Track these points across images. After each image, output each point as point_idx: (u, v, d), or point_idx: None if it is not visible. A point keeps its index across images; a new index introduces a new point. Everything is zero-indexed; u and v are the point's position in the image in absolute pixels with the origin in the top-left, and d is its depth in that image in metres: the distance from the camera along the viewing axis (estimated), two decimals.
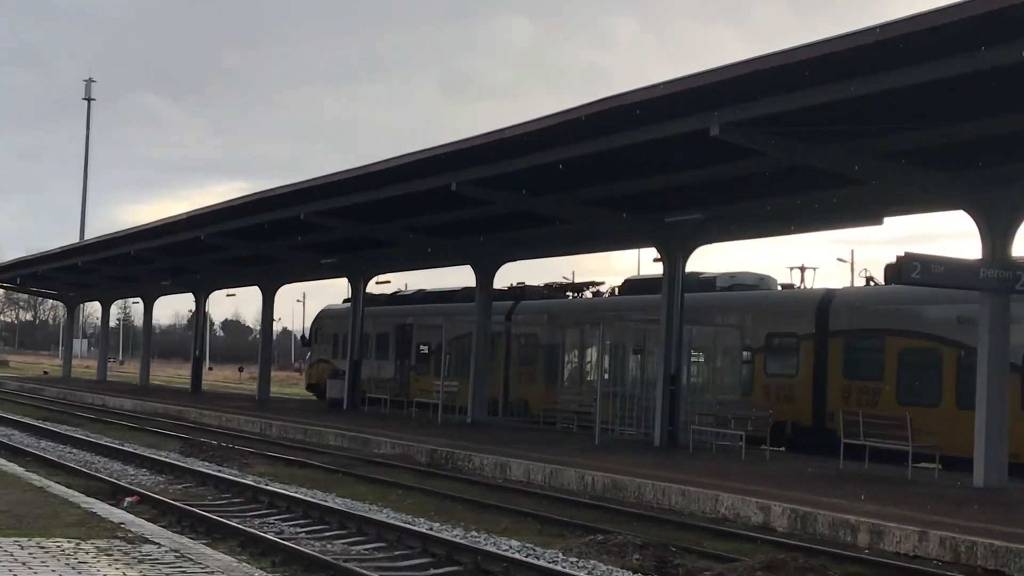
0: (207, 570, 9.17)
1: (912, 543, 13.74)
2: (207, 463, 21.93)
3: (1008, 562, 12.68)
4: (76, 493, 14.37)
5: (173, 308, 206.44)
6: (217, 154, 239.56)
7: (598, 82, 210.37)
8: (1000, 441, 18.91)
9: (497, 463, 21.48)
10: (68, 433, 27.95)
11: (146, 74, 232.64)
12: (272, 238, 35.60)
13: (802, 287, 35.24)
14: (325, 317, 49.13)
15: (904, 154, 19.06)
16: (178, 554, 9.84)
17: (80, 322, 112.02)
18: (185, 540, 11.14)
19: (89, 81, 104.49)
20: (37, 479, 15.63)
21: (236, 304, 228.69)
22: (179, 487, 18.43)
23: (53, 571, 8.72)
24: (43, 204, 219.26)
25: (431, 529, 14.14)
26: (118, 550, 9.86)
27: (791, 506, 15.61)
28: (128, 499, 15.91)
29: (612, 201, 25.33)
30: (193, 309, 58.49)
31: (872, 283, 28.94)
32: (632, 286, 34.85)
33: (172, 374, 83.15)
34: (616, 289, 36.23)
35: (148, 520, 12.72)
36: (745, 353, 28.28)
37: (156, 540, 10.57)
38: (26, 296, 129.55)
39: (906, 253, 17.93)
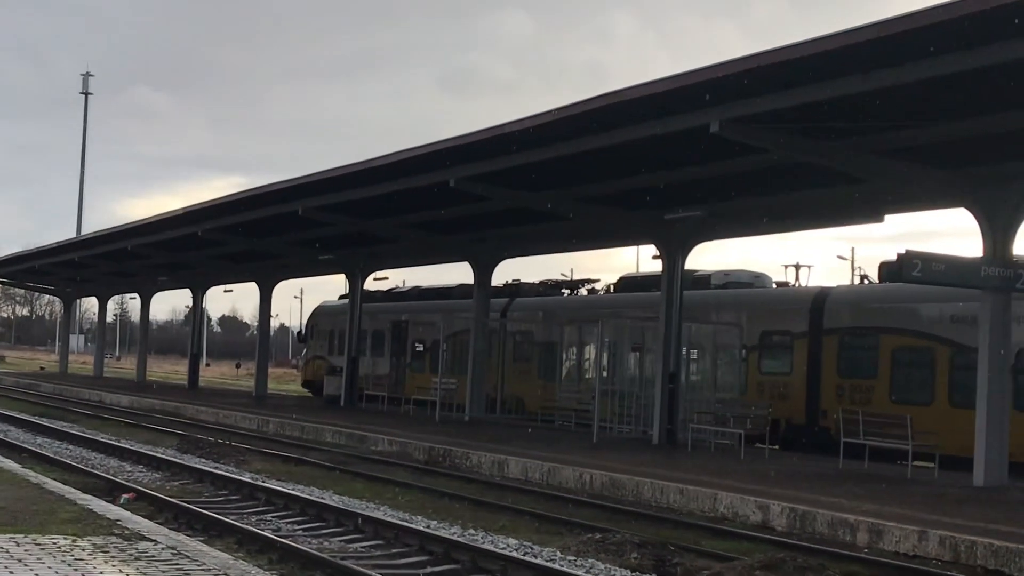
0: (204, 567, 9.12)
1: (912, 542, 13.69)
2: (204, 460, 21.86)
3: (1008, 562, 12.63)
4: (72, 490, 14.32)
5: (170, 304, 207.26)
6: (215, 150, 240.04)
7: (598, 79, 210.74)
8: (1000, 440, 18.88)
9: (495, 461, 21.44)
10: (64, 429, 27.88)
11: (144, 69, 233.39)
12: (270, 234, 35.55)
13: (797, 285, 35.25)
14: (320, 314, 48.92)
15: (904, 151, 19.02)
16: (175, 551, 9.79)
17: (77, 318, 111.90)
18: (182, 537, 11.09)
19: (87, 76, 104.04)
20: (33, 475, 15.58)
21: (233, 300, 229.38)
22: (176, 484, 18.36)
23: (49, 568, 8.66)
24: (40, 199, 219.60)
25: (429, 527, 14.10)
26: (114, 547, 9.81)
27: (790, 505, 15.56)
28: (125, 496, 15.87)
29: (611, 198, 25.29)
30: (190, 305, 58.50)
31: (867, 281, 28.90)
32: (628, 283, 34.81)
33: (169, 370, 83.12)
34: (612, 287, 36.20)
35: (145, 517, 12.66)
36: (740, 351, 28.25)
37: (153, 537, 10.52)
38: (22, 291, 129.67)
39: (907, 251, 17.86)
